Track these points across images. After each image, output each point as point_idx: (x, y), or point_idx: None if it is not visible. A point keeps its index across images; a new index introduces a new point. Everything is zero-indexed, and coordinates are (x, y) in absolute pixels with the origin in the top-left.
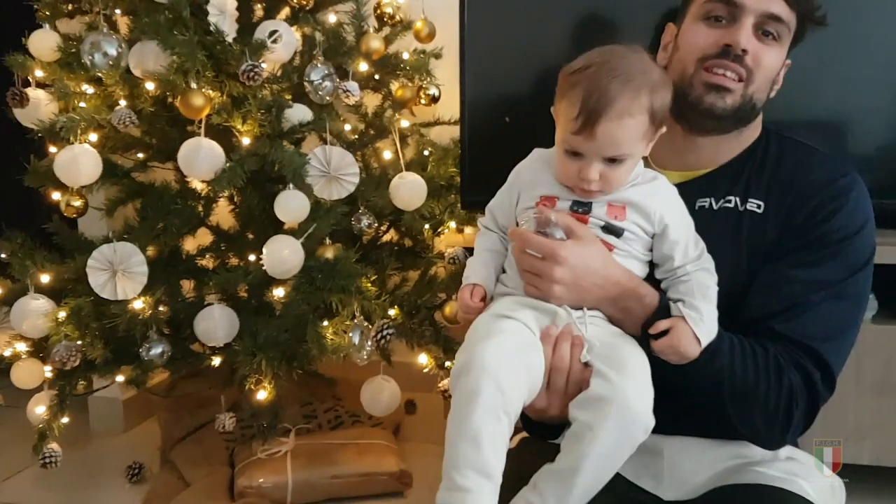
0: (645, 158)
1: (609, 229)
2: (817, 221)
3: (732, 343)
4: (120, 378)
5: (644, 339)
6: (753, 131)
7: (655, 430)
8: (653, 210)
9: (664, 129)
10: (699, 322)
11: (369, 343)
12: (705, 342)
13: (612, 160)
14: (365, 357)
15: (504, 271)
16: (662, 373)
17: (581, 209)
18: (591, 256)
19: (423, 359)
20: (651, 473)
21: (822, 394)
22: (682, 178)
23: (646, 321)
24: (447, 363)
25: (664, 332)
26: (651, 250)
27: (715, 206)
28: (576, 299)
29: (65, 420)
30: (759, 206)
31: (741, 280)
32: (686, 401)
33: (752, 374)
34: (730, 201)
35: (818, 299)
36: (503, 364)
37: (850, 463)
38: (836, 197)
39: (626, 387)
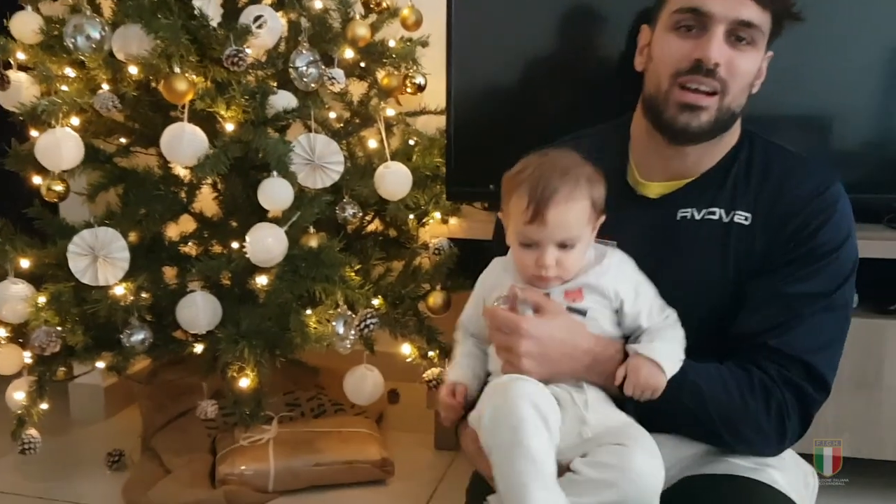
0: (632, 169)
1: (573, 310)
2: (806, 236)
3: (711, 375)
4: (100, 364)
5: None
6: (733, 135)
7: None
8: (607, 288)
9: (604, 218)
10: (652, 350)
11: (353, 332)
12: (667, 365)
13: (564, 245)
14: (348, 346)
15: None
16: (654, 420)
17: None
18: (556, 328)
19: (407, 349)
20: None
21: (817, 402)
22: (666, 188)
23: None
24: (430, 353)
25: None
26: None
27: (697, 217)
28: (548, 372)
29: (44, 406)
30: (746, 219)
31: (728, 292)
32: (685, 435)
33: (738, 399)
34: (714, 213)
35: (810, 312)
36: (538, 392)
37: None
38: (823, 210)
39: (635, 457)
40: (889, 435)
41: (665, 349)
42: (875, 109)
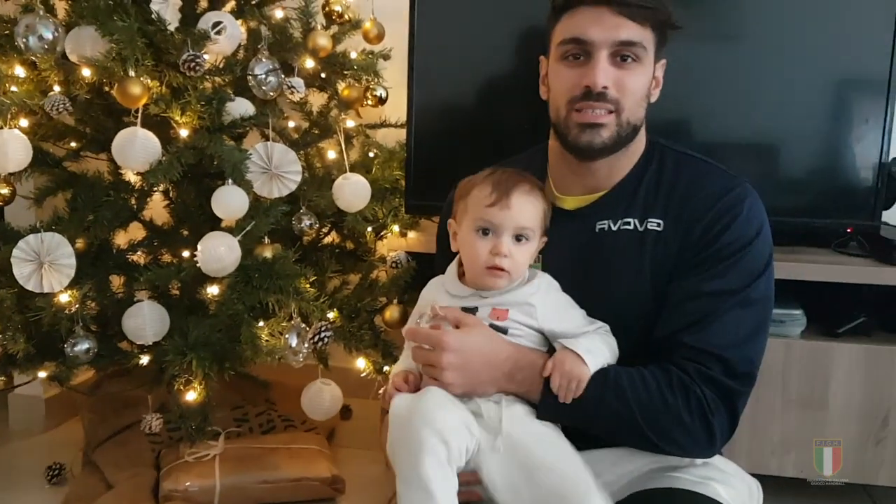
0: (548, 182)
1: (494, 328)
2: (714, 234)
3: (632, 375)
4: (42, 374)
5: (552, 403)
6: (638, 145)
7: None
8: (535, 306)
9: (545, 240)
10: (576, 344)
11: (306, 345)
12: (590, 358)
13: (520, 238)
14: (301, 360)
15: None
16: (581, 428)
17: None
18: (475, 340)
19: (361, 363)
20: None
21: (741, 395)
22: (582, 202)
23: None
24: (385, 367)
25: None
26: (545, 343)
27: (614, 228)
28: (469, 383)
29: None
30: (658, 225)
31: (649, 299)
32: (611, 441)
33: (658, 396)
34: (629, 223)
35: (725, 309)
36: (441, 414)
37: (776, 475)
38: (730, 208)
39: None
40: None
41: (588, 345)
42: (822, 137)
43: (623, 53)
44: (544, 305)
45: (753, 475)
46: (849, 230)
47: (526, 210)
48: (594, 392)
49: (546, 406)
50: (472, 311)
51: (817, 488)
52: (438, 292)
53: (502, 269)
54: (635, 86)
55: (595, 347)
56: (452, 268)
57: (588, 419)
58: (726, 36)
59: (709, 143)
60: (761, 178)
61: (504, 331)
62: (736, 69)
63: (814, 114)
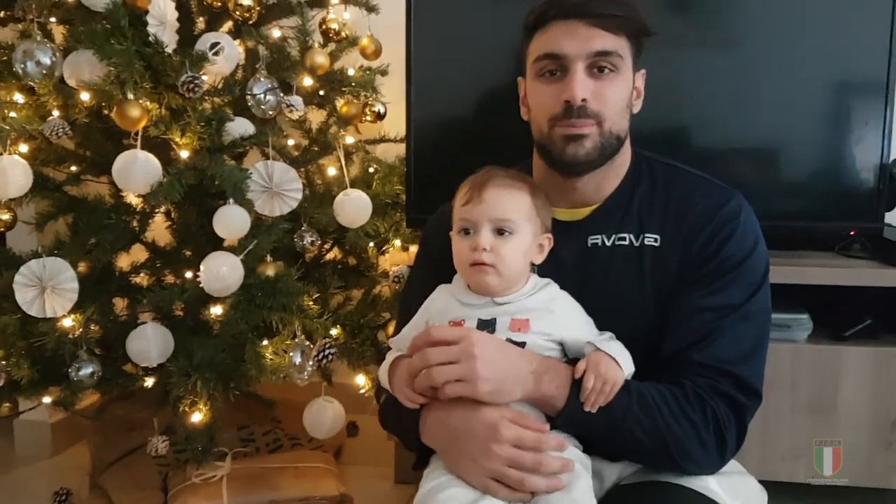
0: None
1: (511, 342)
2: (713, 250)
3: (651, 388)
4: (47, 399)
5: (577, 411)
6: (624, 157)
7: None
8: (556, 315)
9: (551, 245)
10: (610, 347)
11: (310, 363)
12: (624, 362)
13: (501, 232)
14: (305, 377)
15: None
16: (596, 442)
17: (487, 329)
18: (497, 342)
19: (362, 380)
20: None
21: (750, 410)
22: (573, 216)
23: (571, 382)
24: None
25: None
26: (565, 356)
27: (608, 243)
28: (499, 380)
29: None
30: (656, 240)
31: (651, 314)
32: (620, 457)
33: (679, 411)
34: (624, 238)
35: (728, 324)
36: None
37: (786, 481)
38: (726, 223)
39: None
40: (844, 462)
41: (620, 350)
42: (822, 140)
43: (600, 64)
44: (565, 312)
45: (762, 482)
46: (852, 233)
47: (501, 202)
48: (620, 402)
49: (570, 413)
50: (491, 323)
51: (830, 493)
52: (449, 301)
53: (485, 264)
54: (615, 96)
55: (626, 354)
56: (461, 278)
57: (611, 431)
58: (724, 41)
59: (709, 149)
60: (763, 183)
61: (521, 345)
62: (735, 74)
63: (813, 117)
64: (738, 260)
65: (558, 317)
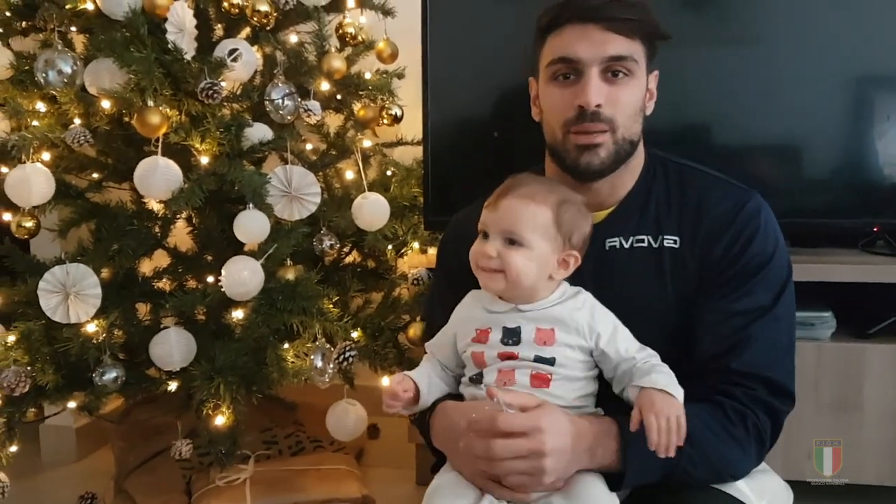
0: None
1: (540, 359)
2: (736, 252)
3: (695, 422)
4: (72, 404)
5: (632, 476)
6: (638, 159)
7: None
8: (582, 323)
9: (578, 263)
10: (654, 382)
11: (331, 366)
12: (675, 390)
13: (512, 242)
14: (327, 380)
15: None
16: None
17: (511, 340)
18: (559, 419)
19: (387, 381)
20: None
21: (784, 413)
22: None
23: (621, 444)
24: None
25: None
26: (596, 366)
27: (626, 245)
28: (563, 471)
29: (13, 449)
30: (675, 242)
31: (674, 314)
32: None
33: (724, 433)
34: (642, 240)
35: (759, 327)
36: None
37: (811, 480)
38: (747, 224)
39: None
40: (869, 459)
41: (665, 379)
42: (843, 136)
43: (614, 69)
44: (592, 319)
45: (788, 481)
46: (875, 229)
47: (514, 214)
48: None
49: (630, 479)
50: (516, 332)
51: (855, 492)
52: (475, 309)
53: (492, 270)
54: (629, 100)
55: (673, 381)
56: None
57: (668, 476)
58: (745, 38)
59: (730, 146)
60: (785, 180)
61: (551, 362)
62: (755, 71)
63: (835, 112)
64: (763, 260)
65: (586, 328)
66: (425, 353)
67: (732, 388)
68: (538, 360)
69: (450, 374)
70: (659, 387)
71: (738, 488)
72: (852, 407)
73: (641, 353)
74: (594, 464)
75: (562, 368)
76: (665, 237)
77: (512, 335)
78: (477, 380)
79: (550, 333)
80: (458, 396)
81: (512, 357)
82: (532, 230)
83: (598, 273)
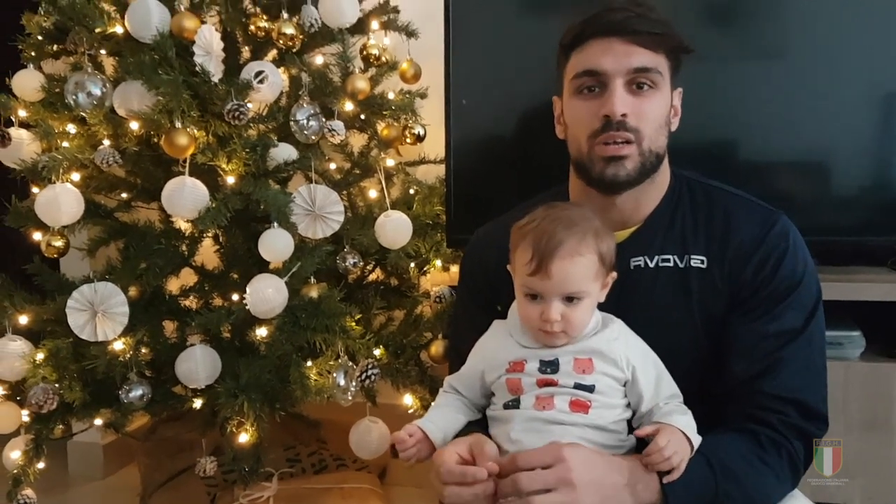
0: None
1: (579, 387)
2: (768, 273)
3: (731, 454)
4: (99, 422)
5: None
6: (664, 176)
7: None
8: (619, 355)
9: (615, 275)
10: (677, 419)
11: (354, 383)
12: (693, 436)
13: (571, 299)
14: (349, 398)
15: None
16: None
17: (549, 369)
18: (586, 455)
19: (409, 399)
20: None
21: (818, 436)
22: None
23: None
24: (433, 404)
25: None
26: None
27: (651, 264)
28: (603, 495)
29: (41, 465)
30: (702, 262)
31: (701, 335)
32: None
33: (759, 465)
34: (668, 259)
35: (791, 350)
36: None
37: None
38: (777, 245)
39: None
40: None
41: (684, 420)
42: (874, 152)
43: (639, 81)
44: (627, 350)
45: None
46: None
47: (570, 275)
48: (707, 482)
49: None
50: (554, 363)
51: None
52: (506, 342)
53: (555, 333)
54: (654, 112)
55: (691, 424)
56: (516, 315)
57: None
58: (771, 52)
59: (757, 163)
60: (812, 197)
61: (590, 388)
62: (782, 86)
63: (863, 128)
64: (794, 282)
65: (620, 358)
66: (449, 371)
67: (766, 414)
68: (578, 386)
69: (471, 407)
70: (679, 426)
71: None
72: (882, 427)
73: (668, 391)
74: (636, 500)
75: (601, 396)
76: (692, 257)
77: (549, 366)
78: (513, 405)
79: (589, 363)
80: (478, 423)
81: (551, 384)
82: (587, 282)
83: (621, 292)
